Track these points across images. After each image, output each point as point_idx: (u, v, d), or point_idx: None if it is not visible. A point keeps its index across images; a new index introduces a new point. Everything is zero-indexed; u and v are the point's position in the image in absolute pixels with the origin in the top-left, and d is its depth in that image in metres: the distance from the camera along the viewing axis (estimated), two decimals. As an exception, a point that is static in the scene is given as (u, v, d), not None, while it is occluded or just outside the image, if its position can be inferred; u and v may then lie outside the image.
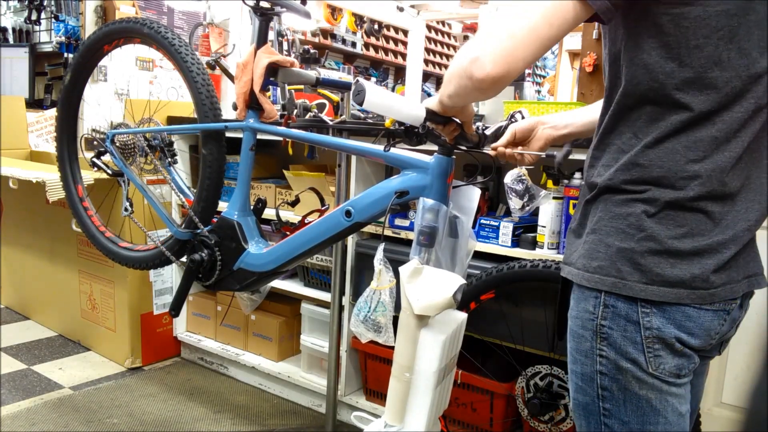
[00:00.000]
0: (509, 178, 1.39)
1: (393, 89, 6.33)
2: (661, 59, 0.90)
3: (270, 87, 1.82)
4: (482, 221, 1.90)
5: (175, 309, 1.90)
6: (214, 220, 1.82)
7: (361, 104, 1.17)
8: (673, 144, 0.91)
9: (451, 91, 1.02)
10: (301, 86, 1.80)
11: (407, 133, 1.29)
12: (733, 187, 0.92)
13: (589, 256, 0.97)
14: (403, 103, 1.23)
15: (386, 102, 1.21)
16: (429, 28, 6.51)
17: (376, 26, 5.89)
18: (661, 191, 0.92)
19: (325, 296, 2.36)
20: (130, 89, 3.80)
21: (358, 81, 1.18)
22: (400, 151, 1.38)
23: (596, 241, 0.97)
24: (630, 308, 0.94)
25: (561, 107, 1.86)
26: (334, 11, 5.18)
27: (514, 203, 1.40)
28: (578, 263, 0.99)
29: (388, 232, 2.11)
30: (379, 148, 1.40)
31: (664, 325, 0.92)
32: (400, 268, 1.22)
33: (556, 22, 0.88)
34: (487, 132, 1.36)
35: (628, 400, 0.97)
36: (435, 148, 1.31)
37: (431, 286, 1.20)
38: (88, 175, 2.26)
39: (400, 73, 6.48)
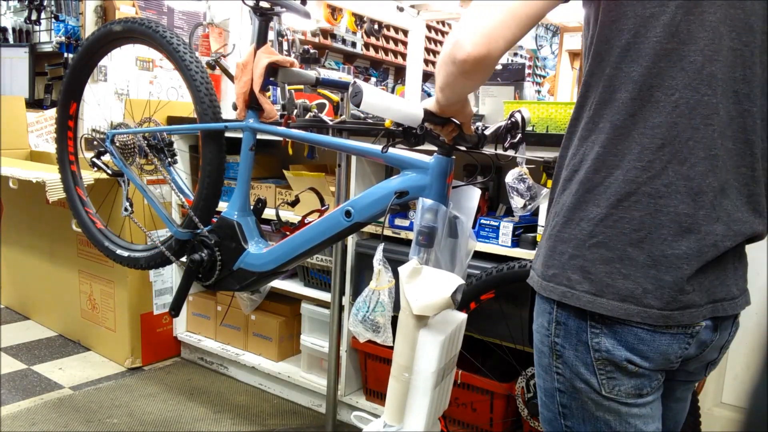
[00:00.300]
0: (511, 177, 1.39)
1: (393, 89, 6.33)
2: (617, 32, 0.85)
3: (270, 87, 1.82)
4: (482, 221, 1.90)
5: (175, 309, 1.90)
6: (214, 220, 1.82)
7: (358, 106, 1.17)
8: (628, 129, 0.84)
9: (441, 83, 1.00)
10: (301, 86, 1.80)
11: (405, 134, 1.29)
12: (704, 189, 0.83)
13: (546, 263, 0.93)
14: (401, 104, 1.23)
15: (383, 103, 1.20)
16: (429, 28, 6.51)
17: (376, 26, 5.89)
18: (614, 187, 0.85)
19: (325, 296, 2.36)
20: (130, 89, 3.80)
21: (355, 83, 1.18)
22: (400, 152, 1.38)
23: (551, 247, 0.92)
24: (579, 327, 0.89)
25: (561, 107, 1.86)
26: (334, 11, 5.18)
27: (516, 202, 1.40)
28: (538, 269, 0.95)
29: (387, 232, 2.11)
30: (379, 148, 1.40)
31: (614, 347, 0.87)
32: (399, 268, 1.22)
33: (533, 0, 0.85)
34: (487, 132, 1.36)
35: (587, 420, 0.92)
36: (435, 148, 1.31)
37: (430, 286, 1.20)
38: (88, 175, 2.27)
39: (400, 73, 6.49)
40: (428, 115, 1.19)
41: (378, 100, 1.19)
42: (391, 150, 1.37)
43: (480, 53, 0.85)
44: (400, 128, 1.29)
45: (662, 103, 0.82)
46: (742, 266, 0.93)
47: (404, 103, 1.23)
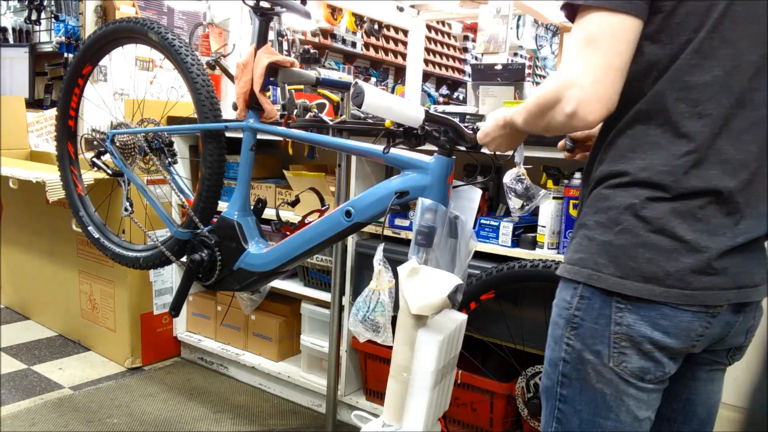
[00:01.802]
0: (508, 177, 1.38)
1: (393, 89, 6.33)
2: (652, 57, 0.92)
3: (270, 87, 1.82)
4: (482, 221, 1.90)
5: (175, 309, 1.90)
6: (214, 220, 1.82)
7: (360, 106, 1.18)
8: (657, 138, 0.92)
9: (535, 121, 0.99)
10: (301, 86, 1.80)
11: (406, 135, 1.29)
12: (727, 188, 0.91)
13: (574, 249, 1.01)
14: (402, 105, 1.23)
15: (385, 104, 1.21)
16: (429, 28, 6.51)
17: (376, 26, 5.89)
18: (642, 185, 0.93)
19: (325, 296, 2.36)
20: (130, 89, 3.80)
21: (356, 83, 1.19)
22: (400, 152, 1.38)
23: (581, 235, 1.00)
24: (605, 302, 0.95)
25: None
26: (334, 11, 5.18)
27: (514, 203, 1.40)
28: (566, 257, 1.03)
29: (388, 233, 2.11)
30: (379, 148, 1.40)
31: (636, 323, 0.93)
32: (399, 268, 1.22)
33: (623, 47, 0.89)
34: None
35: (583, 391, 0.99)
36: (435, 148, 1.32)
37: (428, 286, 1.20)
38: (88, 175, 2.27)
39: (400, 73, 6.48)
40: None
41: (380, 101, 1.20)
42: (391, 150, 1.37)
43: (602, 118, 0.90)
44: (401, 128, 1.30)
45: (687, 114, 0.91)
46: (764, 257, 1.00)
47: (405, 104, 1.23)
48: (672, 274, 0.90)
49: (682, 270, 0.90)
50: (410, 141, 1.30)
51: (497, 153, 1.26)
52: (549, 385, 1.04)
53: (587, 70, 0.87)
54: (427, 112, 1.26)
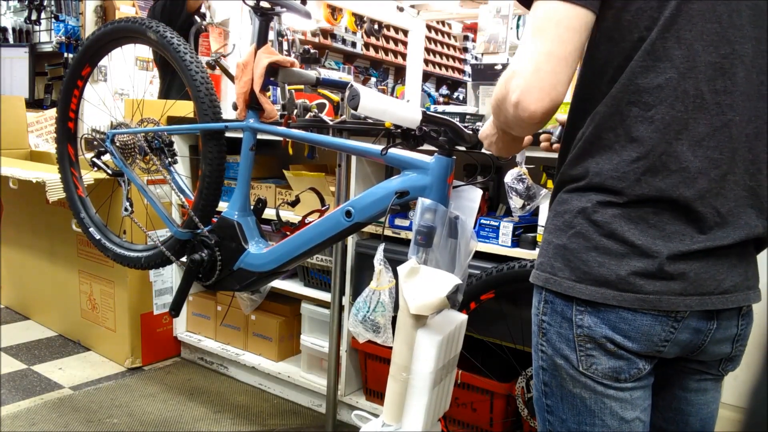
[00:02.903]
0: (509, 177, 1.39)
1: (393, 89, 6.33)
2: (608, 54, 0.90)
3: (270, 87, 1.82)
4: (482, 221, 1.90)
5: (175, 309, 1.90)
6: (214, 220, 1.82)
7: (355, 109, 1.18)
8: (610, 142, 0.90)
9: (497, 121, 0.99)
10: (301, 86, 1.80)
11: (404, 136, 1.29)
12: (683, 196, 0.87)
13: (538, 253, 1.01)
14: (399, 107, 1.23)
15: (381, 106, 1.21)
16: (429, 28, 6.51)
17: (376, 26, 5.89)
18: (595, 189, 0.91)
19: (325, 296, 2.36)
20: (130, 89, 3.80)
21: (352, 86, 1.18)
22: (400, 152, 1.38)
23: (543, 239, 1.00)
24: (566, 305, 0.94)
25: (560, 107, 1.85)
26: (334, 11, 5.18)
27: (515, 202, 1.40)
28: (535, 261, 1.02)
29: (388, 233, 2.11)
30: (379, 148, 1.40)
31: (597, 325, 0.91)
32: (398, 268, 1.22)
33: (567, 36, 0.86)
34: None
35: (564, 398, 0.97)
36: (435, 148, 1.32)
37: (427, 285, 1.20)
38: (88, 175, 2.27)
39: (400, 73, 6.49)
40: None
41: (375, 104, 1.19)
42: (391, 150, 1.37)
43: (546, 109, 0.86)
44: (398, 130, 1.30)
45: (639, 119, 0.88)
46: (742, 265, 0.95)
47: (402, 106, 1.23)
48: (623, 277, 0.89)
49: (633, 274, 0.88)
50: (408, 142, 1.30)
51: (495, 155, 1.26)
52: (536, 396, 1.02)
53: (530, 59, 0.85)
54: (424, 113, 1.26)
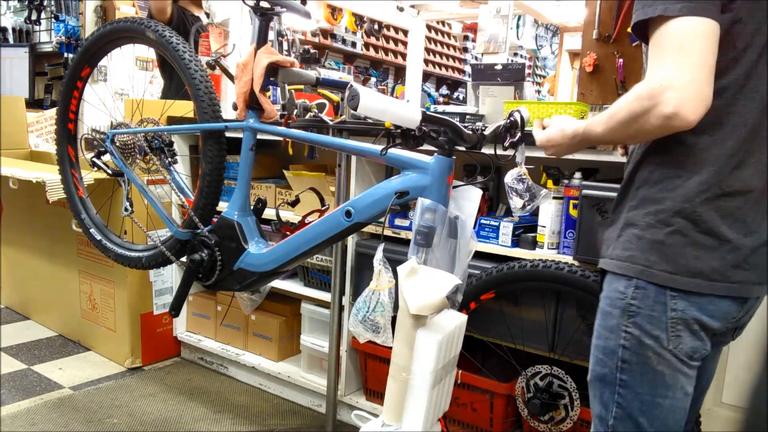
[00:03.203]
0: (510, 177, 1.38)
1: (393, 89, 6.33)
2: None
3: (270, 87, 1.82)
4: (482, 221, 1.90)
5: (175, 309, 1.90)
6: (214, 220, 1.82)
7: (355, 109, 1.18)
8: (704, 140, 1.01)
9: (621, 130, 1.05)
10: (301, 86, 1.80)
11: (404, 136, 1.29)
12: (758, 187, 1.02)
13: (623, 247, 1.09)
14: (398, 107, 1.22)
15: (381, 106, 1.20)
16: (429, 28, 6.51)
17: (376, 26, 5.90)
18: (689, 186, 1.02)
19: (325, 296, 2.36)
20: (130, 89, 3.80)
21: (351, 86, 1.18)
22: (400, 152, 1.38)
23: (630, 234, 1.08)
24: (659, 292, 1.04)
25: (561, 107, 1.86)
26: (334, 11, 5.18)
27: (515, 203, 1.40)
28: (613, 254, 1.11)
29: (388, 233, 2.11)
30: (378, 148, 1.40)
31: (688, 308, 1.03)
32: (398, 268, 1.22)
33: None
34: (486, 132, 1.36)
35: (644, 373, 1.07)
36: (435, 148, 1.31)
37: (426, 285, 1.20)
38: (89, 175, 2.27)
39: (400, 73, 6.49)
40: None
41: (375, 104, 1.19)
42: (391, 150, 1.37)
43: (701, 116, 0.96)
44: (398, 130, 1.30)
45: (734, 126, 1.01)
46: None
47: (402, 106, 1.23)
48: (716, 269, 1.02)
49: (725, 265, 1.02)
50: (407, 142, 1.30)
51: (498, 155, 1.27)
52: (605, 372, 1.11)
53: (681, 72, 0.93)
54: (424, 113, 1.26)
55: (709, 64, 0.94)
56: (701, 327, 1.05)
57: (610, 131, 1.06)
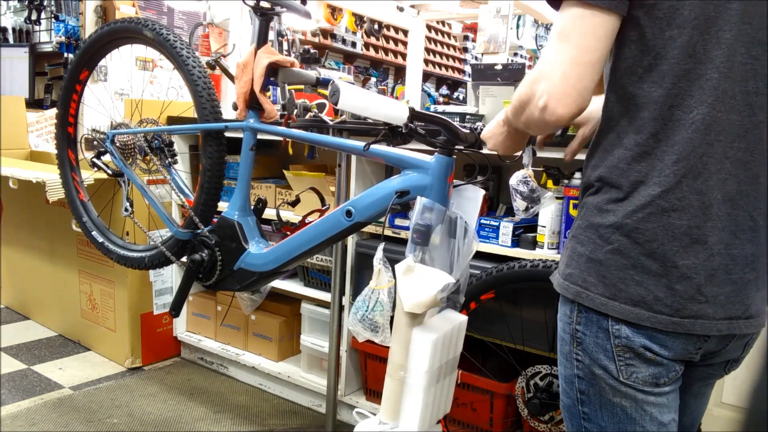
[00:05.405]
0: (514, 179, 1.37)
1: (393, 89, 6.33)
2: (638, 52, 0.89)
3: (270, 87, 1.82)
4: (482, 221, 1.90)
5: (176, 309, 1.90)
6: (215, 220, 1.82)
7: (336, 105, 1.17)
8: (651, 147, 0.88)
9: (516, 119, 0.97)
10: (301, 86, 1.80)
11: (392, 133, 1.28)
12: (712, 202, 0.87)
13: (566, 263, 0.98)
14: (382, 103, 1.21)
15: (362, 103, 1.19)
16: (429, 28, 6.50)
17: (376, 26, 5.89)
18: (633, 199, 0.89)
19: (325, 296, 2.36)
20: (130, 89, 3.79)
21: (333, 82, 1.18)
22: (401, 151, 1.38)
23: (572, 248, 0.97)
24: (601, 317, 0.92)
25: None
26: (334, 11, 5.17)
27: (519, 205, 1.39)
28: (559, 270, 1.00)
29: (388, 232, 2.11)
30: (382, 148, 1.40)
31: (634, 336, 0.90)
32: (396, 266, 1.22)
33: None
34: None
35: (603, 406, 0.96)
36: (435, 148, 1.31)
37: (420, 283, 1.20)
38: (89, 176, 2.27)
39: (400, 73, 6.48)
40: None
41: (356, 100, 1.18)
42: (391, 149, 1.37)
43: (572, 113, 0.86)
44: (386, 128, 1.29)
45: (681, 121, 0.86)
46: (764, 287, 0.95)
47: (385, 102, 1.22)
48: (661, 299, 0.88)
49: (672, 296, 0.87)
50: (395, 140, 1.29)
51: (500, 154, 1.26)
52: (569, 403, 1.01)
53: (557, 64, 0.85)
54: (412, 110, 1.25)
55: (585, 61, 0.84)
56: (656, 354, 0.90)
57: (514, 117, 0.96)
